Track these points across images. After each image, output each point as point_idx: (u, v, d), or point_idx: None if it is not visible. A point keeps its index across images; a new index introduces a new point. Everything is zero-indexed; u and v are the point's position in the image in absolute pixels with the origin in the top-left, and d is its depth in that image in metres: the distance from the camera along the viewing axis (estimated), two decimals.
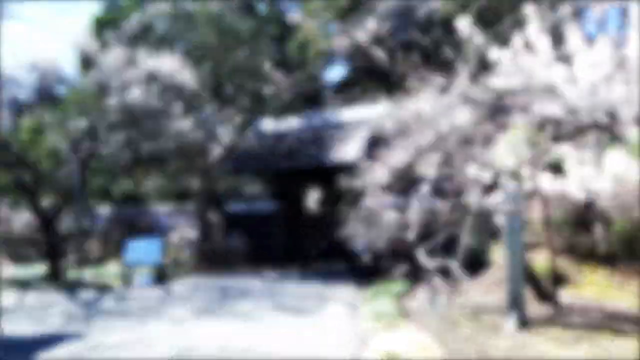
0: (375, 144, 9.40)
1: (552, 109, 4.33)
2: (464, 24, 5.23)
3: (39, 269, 12.45)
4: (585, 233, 9.00)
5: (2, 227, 17.68)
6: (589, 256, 8.79)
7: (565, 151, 4.16)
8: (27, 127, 14.06)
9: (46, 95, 14.77)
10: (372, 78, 15.35)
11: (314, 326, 6.88)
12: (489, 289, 9.09)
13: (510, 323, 6.41)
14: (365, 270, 9.68)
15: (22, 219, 17.27)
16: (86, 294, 9.59)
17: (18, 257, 16.24)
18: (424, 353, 5.21)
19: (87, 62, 13.32)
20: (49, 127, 12.94)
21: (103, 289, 10.28)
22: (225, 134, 14.33)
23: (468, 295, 8.62)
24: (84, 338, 6.42)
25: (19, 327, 7.09)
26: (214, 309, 8.00)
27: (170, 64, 11.06)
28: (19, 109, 13.56)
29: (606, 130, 4.08)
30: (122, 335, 6.51)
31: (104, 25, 14.85)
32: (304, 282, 10.51)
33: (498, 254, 9.41)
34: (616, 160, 3.65)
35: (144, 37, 12.79)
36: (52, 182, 12.75)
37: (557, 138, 4.48)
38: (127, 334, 6.59)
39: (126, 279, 10.91)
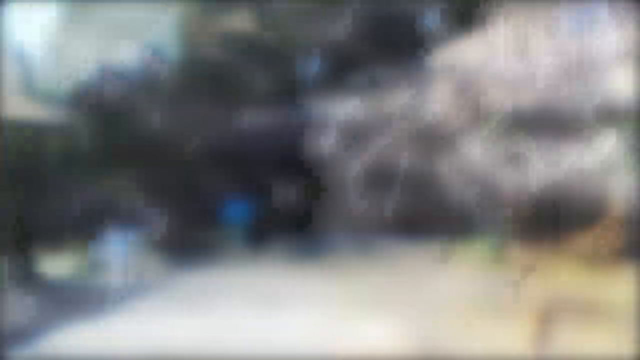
0: (351, 137, 9.39)
1: (515, 103, 4.39)
2: (432, 21, 5.27)
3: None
4: (555, 225, 9.15)
5: None
6: (558, 248, 8.92)
7: (527, 144, 4.23)
8: None
9: None
10: (349, 73, 15.35)
11: (282, 318, 6.87)
12: None
13: None
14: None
15: None
16: (55, 288, 9.39)
17: None
18: None
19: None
20: None
21: (74, 282, 10.09)
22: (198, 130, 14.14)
23: None
24: (48, 337, 6.28)
25: None
26: (191, 302, 7.92)
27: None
28: None
29: (567, 124, 4.16)
30: (91, 332, 6.39)
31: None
32: (285, 277, 10.46)
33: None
34: (577, 153, 3.71)
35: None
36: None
37: (521, 131, 4.55)
38: (95, 329, 6.48)
39: (98, 272, 10.75)
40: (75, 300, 8.55)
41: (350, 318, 6.72)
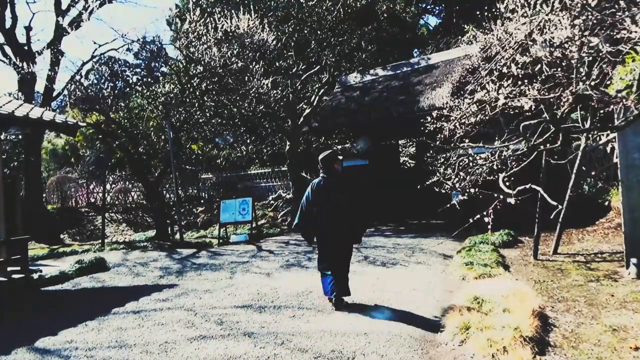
0: (465, 83, 8.53)
1: None
2: None
3: (152, 233, 13.30)
4: None
5: (122, 197, 19.36)
6: None
7: None
8: (134, 105, 14.97)
9: (151, 73, 15.50)
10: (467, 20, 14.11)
11: (402, 276, 6.50)
12: (604, 236, 7.99)
13: (628, 271, 5.51)
14: (461, 223, 8.94)
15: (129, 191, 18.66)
16: (185, 252, 10.01)
17: (136, 224, 17.69)
18: (518, 301, 4.58)
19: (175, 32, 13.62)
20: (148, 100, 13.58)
21: (201, 246, 10.69)
22: (311, 92, 14.03)
23: (581, 244, 7.67)
24: (173, 288, 6.63)
25: (119, 280, 7.57)
26: (300, 262, 7.91)
27: (248, 24, 10.75)
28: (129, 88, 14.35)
29: None
30: (209, 285, 6.63)
31: None
32: (396, 237, 10.09)
33: (616, 199, 8.22)
34: None
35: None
36: (158, 153, 13.38)
37: None
38: (213, 284, 6.70)
39: (221, 236, 11.29)
40: (199, 261, 9.02)
41: None
